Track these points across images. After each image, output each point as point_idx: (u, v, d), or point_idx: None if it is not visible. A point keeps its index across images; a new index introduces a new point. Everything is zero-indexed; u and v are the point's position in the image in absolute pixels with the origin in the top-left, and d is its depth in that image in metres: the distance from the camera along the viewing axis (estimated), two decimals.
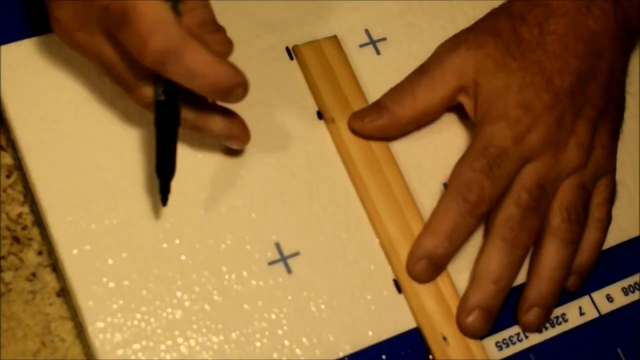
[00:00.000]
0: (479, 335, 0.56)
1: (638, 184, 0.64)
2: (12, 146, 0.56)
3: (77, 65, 0.57)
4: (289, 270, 0.55)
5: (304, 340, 0.54)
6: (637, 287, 0.61)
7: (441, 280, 0.57)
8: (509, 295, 0.57)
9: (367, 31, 0.63)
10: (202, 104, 0.53)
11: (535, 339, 0.58)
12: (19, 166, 0.56)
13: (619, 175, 0.62)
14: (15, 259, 0.54)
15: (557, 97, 0.57)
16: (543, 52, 0.58)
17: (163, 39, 0.48)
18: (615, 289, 0.61)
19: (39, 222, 0.55)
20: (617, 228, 0.62)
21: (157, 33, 0.47)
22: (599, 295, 0.60)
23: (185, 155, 0.55)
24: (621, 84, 0.61)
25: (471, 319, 0.56)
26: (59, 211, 0.53)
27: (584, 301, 0.60)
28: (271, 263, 0.55)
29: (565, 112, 0.57)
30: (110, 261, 0.53)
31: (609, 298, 0.60)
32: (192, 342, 0.52)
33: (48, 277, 0.54)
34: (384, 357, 0.55)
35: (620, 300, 0.60)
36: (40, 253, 0.55)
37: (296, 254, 0.56)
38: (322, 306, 0.55)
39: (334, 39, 0.62)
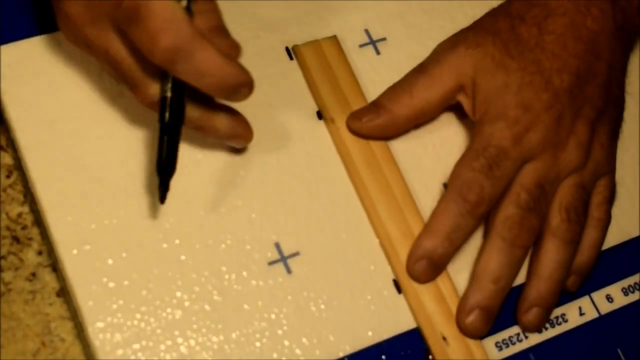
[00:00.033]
0: (479, 335, 0.56)
1: (638, 184, 0.64)
2: (12, 146, 0.56)
3: (77, 66, 0.57)
4: (289, 271, 0.55)
5: (304, 340, 0.54)
6: (637, 287, 0.61)
7: (441, 281, 0.57)
8: (508, 295, 0.57)
9: (367, 31, 0.63)
10: (207, 103, 0.53)
11: (535, 339, 0.58)
12: (18, 166, 0.56)
13: (619, 175, 0.62)
14: (15, 259, 0.54)
15: (556, 97, 0.57)
16: (542, 52, 0.58)
17: (173, 37, 0.48)
18: (615, 289, 0.61)
19: (39, 222, 0.55)
20: (617, 228, 0.62)
21: (167, 31, 0.48)
22: (598, 296, 0.60)
23: (185, 155, 0.55)
24: (620, 83, 0.61)
25: (471, 319, 0.56)
26: (58, 211, 0.53)
27: (584, 301, 0.60)
28: (271, 263, 0.55)
29: (565, 111, 0.58)
30: (110, 261, 0.53)
31: (609, 298, 0.60)
32: (192, 342, 0.52)
33: (48, 277, 0.54)
34: (383, 357, 0.55)
35: (620, 301, 0.60)
36: (40, 253, 0.55)
37: (296, 254, 0.56)
38: (322, 306, 0.55)
39: (334, 39, 0.62)
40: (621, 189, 0.62)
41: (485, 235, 0.58)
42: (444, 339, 0.56)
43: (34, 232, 0.55)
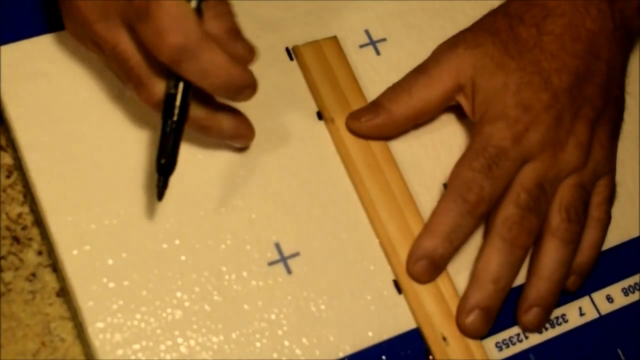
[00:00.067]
0: (479, 335, 0.56)
1: (638, 184, 0.64)
2: (12, 146, 0.56)
3: (77, 66, 0.57)
4: (289, 271, 0.55)
5: (304, 340, 0.54)
6: (637, 287, 0.61)
7: (441, 281, 0.57)
8: (509, 295, 0.57)
9: (367, 31, 0.63)
10: (211, 103, 0.54)
11: (535, 339, 0.58)
12: (18, 166, 0.56)
13: (619, 175, 0.62)
14: (15, 259, 0.54)
15: (556, 97, 0.57)
16: (541, 52, 0.58)
17: (182, 36, 0.48)
18: (615, 290, 0.61)
19: (39, 222, 0.55)
20: (617, 228, 0.62)
21: (176, 29, 0.48)
22: (599, 296, 0.60)
23: (185, 156, 0.55)
24: (620, 83, 0.61)
25: (471, 319, 0.56)
26: (58, 211, 0.53)
27: (584, 301, 0.60)
28: (271, 263, 0.55)
29: (564, 111, 0.58)
30: (110, 261, 0.53)
31: (609, 298, 0.60)
32: (192, 342, 0.52)
33: (48, 277, 0.54)
34: (383, 357, 0.55)
35: (620, 301, 0.60)
36: (40, 253, 0.55)
37: (296, 254, 0.56)
38: (322, 306, 0.55)
39: (334, 39, 0.62)
40: (621, 189, 0.62)
41: (485, 235, 0.58)
42: (444, 339, 0.56)
43: (34, 232, 0.55)
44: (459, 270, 0.58)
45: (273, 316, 0.54)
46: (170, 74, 0.51)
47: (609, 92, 0.59)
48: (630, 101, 0.63)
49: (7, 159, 0.56)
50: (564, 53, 0.58)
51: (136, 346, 0.52)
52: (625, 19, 0.60)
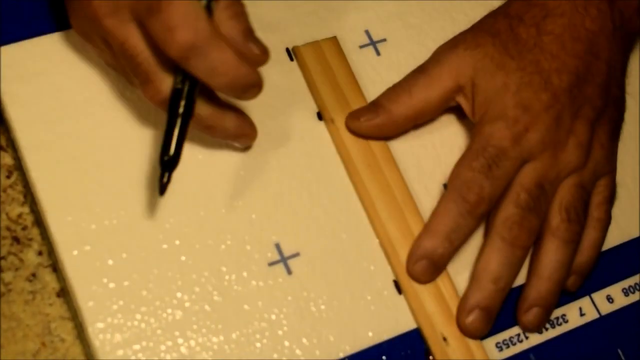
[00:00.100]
0: (479, 335, 0.56)
1: (638, 184, 0.64)
2: (12, 146, 0.56)
3: (77, 66, 0.57)
4: (289, 271, 0.55)
5: (304, 340, 0.54)
6: (638, 287, 0.61)
7: (441, 281, 0.57)
8: (509, 295, 0.57)
9: (367, 32, 0.63)
10: (217, 101, 0.54)
11: (535, 339, 0.58)
12: (19, 166, 0.56)
13: (619, 176, 0.62)
14: (15, 259, 0.54)
15: (556, 97, 0.57)
16: (540, 52, 0.58)
17: (191, 33, 0.49)
18: (615, 290, 0.61)
19: (39, 222, 0.55)
20: (617, 229, 0.62)
21: (186, 26, 0.48)
22: (599, 296, 0.60)
23: (185, 156, 0.55)
24: (620, 83, 0.61)
25: (471, 319, 0.56)
26: (59, 211, 0.53)
27: (584, 302, 0.60)
28: (271, 264, 0.55)
29: (564, 111, 0.58)
30: (110, 262, 0.53)
31: (609, 299, 0.60)
32: (192, 342, 0.52)
33: (48, 278, 0.54)
34: (384, 357, 0.55)
35: (621, 301, 0.60)
36: (40, 253, 0.55)
37: (296, 254, 0.56)
38: (322, 307, 0.55)
39: (334, 39, 0.62)
40: (621, 189, 0.62)
41: (485, 236, 0.58)
42: (444, 339, 0.56)
43: (34, 232, 0.55)
44: (459, 271, 0.58)
45: (273, 316, 0.54)
46: (178, 70, 0.51)
47: (608, 92, 0.59)
48: (630, 101, 0.63)
49: (8, 159, 0.56)
50: (563, 53, 0.58)
51: (136, 346, 0.52)
52: (624, 19, 0.61)
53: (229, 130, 0.55)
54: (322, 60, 0.61)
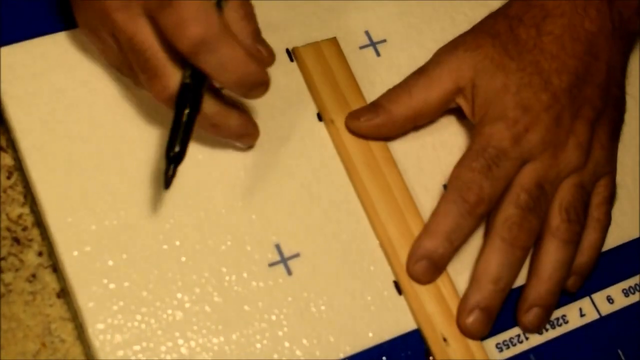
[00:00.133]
0: (479, 335, 0.56)
1: (638, 185, 0.64)
2: (12, 147, 0.56)
3: (77, 67, 0.57)
4: (289, 272, 0.55)
5: (304, 341, 0.54)
6: (638, 288, 0.61)
7: (441, 281, 0.57)
8: (509, 296, 0.57)
9: (367, 33, 0.63)
10: (222, 100, 0.54)
11: (535, 340, 0.58)
12: (19, 167, 0.56)
13: (619, 176, 0.62)
14: (15, 260, 0.54)
15: (555, 97, 0.57)
16: (540, 53, 0.58)
17: (203, 27, 0.49)
18: (615, 291, 0.61)
19: (39, 223, 0.55)
20: (618, 229, 0.62)
21: (198, 20, 0.49)
22: (599, 297, 0.60)
23: (186, 157, 0.55)
24: (619, 84, 0.61)
25: (471, 319, 0.56)
26: (59, 212, 0.53)
27: (585, 302, 0.60)
28: (271, 264, 0.55)
29: (564, 112, 0.58)
30: (110, 262, 0.53)
31: (610, 299, 0.60)
32: (193, 343, 0.52)
33: (48, 278, 0.54)
34: (384, 358, 0.55)
35: (621, 302, 0.60)
36: (40, 254, 0.55)
37: (296, 255, 0.56)
38: (322, 307, 0.55)
39: (334, 40, 0.62)
40: (621, 190, 0.62)
41: (486, 236, 0.58)
42: (445, 339, 0.56)
43: (35, 233, 0.55)
44: (459, 271, 0.58)
45: (273, 317, 0.54)
46: (187, 65, 0.51)
47: (608, 92, 0.60)
48: (630, 102, 0.63)
49: (8, 160, 0.56)
50: (563, 54, 0.58)
51: (136, 347, 0.52)
52: (624, 19, 0.61)
53: (233, 129, 0.55)
54: (322, 61, 0.61)
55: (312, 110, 0.60)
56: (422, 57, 0.61)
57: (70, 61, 0.57)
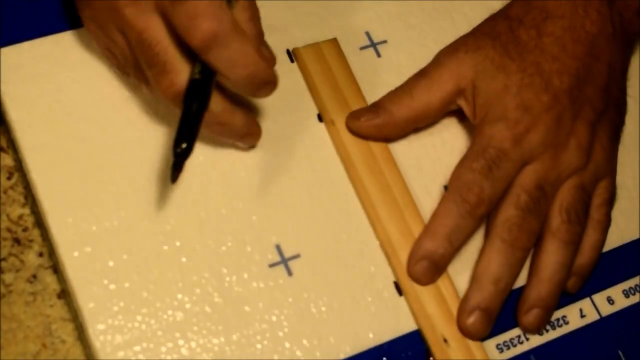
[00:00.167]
0: (480, 336, 0.56)
1: (638, 186, 0.64)
2: (12, 147, 0.56)
3: (77, 68, 0.57)
4: (290, 272, 0.55)
5: (305, 342, 0.54)
6: (638, 289, 0.61)
7: (442, 282, 0.57)
8: (509, 297, 0.57)
9: (367, 33, 0.63)
10: (228, 99, 0.54)
11: (536, 341, 0.58)
12: (19, 168, 0.56)
13: (620, 178, 0.62)
14: (16, 261, 0.54)
15: (556, 98, 0.57)
16: (541, 54, 0.58)
17: (215, 22, 0.49)
18: (615, 291, 0.61)
19: (40, 223, 0.55)
20: (618, 230, 0.62)
21: (210, 16, 0.49)
22: (599, 298, 0.60)
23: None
24: (620, 85, 0.61)
25: (471, 320, 0.56)
26: (59, 213, 0.53)
27: (585, 303, 0.60)
28: (272, 265, 0.55)
29: (564, 113, 0.58)
30: (110, 263, 0.53)
31: (610, 300, 0.60)
32: (193, 343, 0.52)
33: (49, 279, 0.54)
34: (384, 359, 0.55)
35: (621, 303, 0.60)
36: (41, 254, 0.55)
37: (297, 256, 0.56)
38: (323, 308, 0.55)
39: (334, 41, 0.62)
40: (622, 191, 0.62)
41: (486, 237, 0.58)
42: (445, 340, 0.56)
43: (35, 233, 0.55)
44: (460, 272, 0.58)
45: (274, 318, 0.54)
46: (197, 61, 0.51)
47: (609, 93, 0.60)
48: (630, 103, 0.63)
49: (8, 161, 0.56)
50: (564, 55, 0.58)
51: (137, 348, 0.52)
52: (624, 21, 0.61)
53: (238, 128, 0.55)
54: (322, 62, 0.61)
55: (313, 111, 0.60)
56: (422, 58, 0.61)
57: (71, 62, 0.57)
